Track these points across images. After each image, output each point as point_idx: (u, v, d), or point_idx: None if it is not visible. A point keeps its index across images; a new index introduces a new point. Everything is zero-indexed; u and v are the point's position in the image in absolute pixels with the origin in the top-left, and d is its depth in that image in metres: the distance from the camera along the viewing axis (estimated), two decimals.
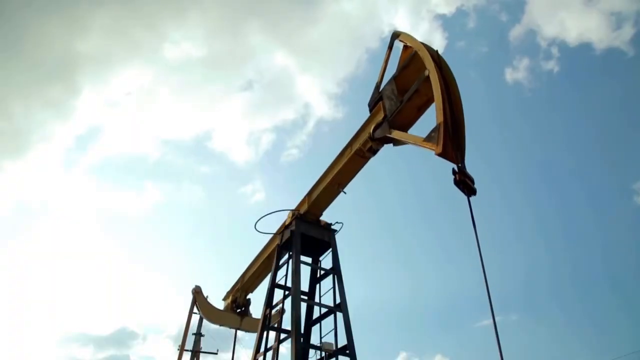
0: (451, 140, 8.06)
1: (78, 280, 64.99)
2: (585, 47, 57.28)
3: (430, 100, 9.47)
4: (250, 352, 13.81)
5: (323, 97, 66.46)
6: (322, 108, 66.65)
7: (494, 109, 57.05)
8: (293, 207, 14.35)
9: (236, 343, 20.02)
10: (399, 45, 11.41)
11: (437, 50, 9.71)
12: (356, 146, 11.63)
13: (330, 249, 13.90)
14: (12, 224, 59.13)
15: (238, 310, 20.28)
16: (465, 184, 7.78)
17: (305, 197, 14.09)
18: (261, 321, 13.49)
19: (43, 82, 49.20)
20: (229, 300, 20.51)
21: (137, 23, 49.59)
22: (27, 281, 59.44)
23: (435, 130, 8.28)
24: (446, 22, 62.17)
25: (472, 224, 7.58)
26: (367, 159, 11.78)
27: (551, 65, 57.61)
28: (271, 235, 15.75)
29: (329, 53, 59.07)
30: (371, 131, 10.85)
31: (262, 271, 17.60)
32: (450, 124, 8.18)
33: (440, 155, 8.04)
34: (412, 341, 56.58)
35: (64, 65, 47.71)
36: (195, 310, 20.87)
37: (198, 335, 20.37)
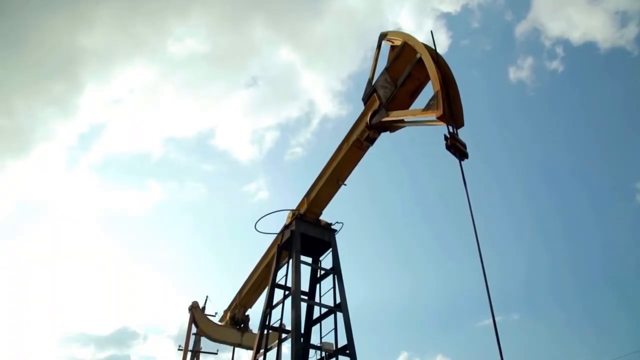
0: (449, 106, 8.32)
1: (79, 280, 63.46)
2: (589, 46, 56.89)
3: (422, 85, 9.83)
4: (250, 352, 13.60)
5: (327, 94, 65.56)
6: (327, 106, 65.62)
7: (496, 108, 56.84)
8: (295, 206, 14.45)
9: None
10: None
11: (435, 49, 10.09)
12: (353, 138, 11.86)
13: (330, 249, 13.92)
14: (13, 224, 58.03)
15: (237, 327, 19.98)
16: (456, 148, 7.97)
17: (304, 197, 14.21)
18: (261, 321, 13.37)
19: (45, 79, 49.21)
20: (227, 318, 20.24)
21: (140, 19, 49.20)
22: (28, 281, 58.11)
23: (433, 98, 8.58)
24: (451, 21, 61.82)
25: (465, 191, 7.72)
26: (365, 150, 11.96)
27: (555, 65, 56.84)
28: (271, 240, 15.81)
29: (334, 49, 58.44)
30: (368, 120, 11.12)
31: (261, 282, 17.46)
32: (445, 92, 8.47)
33: (440, 118, 8.31)
34: (413, 341, 54.75)
35: (67, 62, 47.49)
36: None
37: (198, 335, 19.91)
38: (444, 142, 8.12)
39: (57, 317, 59.49)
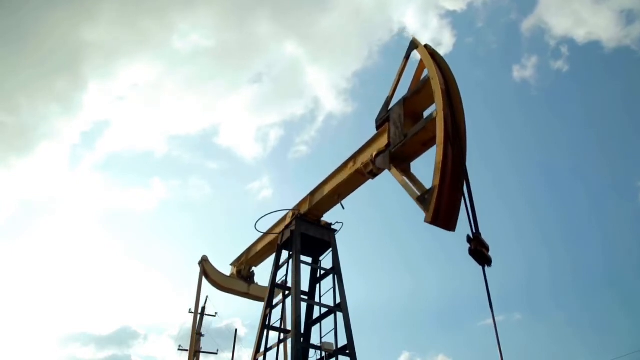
0: (446, 207, 7.45)
1: (80, 279, 64.73)
2: (594, 46, 55.73)
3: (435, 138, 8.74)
4: (250, 352, 14.07)
5: (332, 91, 63.34)
6: (332, 103, 63.83)
7: (498, 107, 56.28)
8: (297, 204, 14.15)
9: (236, 343, 20.17)
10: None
11: (452, 74, 8.90)
12: (358, 164, 11.24)
13: (331, 249, 13.73)
14: (16, 222, 58.70)
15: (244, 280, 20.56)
16: (481, 254, 7.19)
17: (307, 196, 13.81)
18: (261, 321, 13.60)
19: (49, 75, 47.41)
20: (234, 271, 20.78)
21: (144, 14, 47.33)
22: (29, 279, 59.15)
23: (429, 193, 7.66)
24: (456, 19, 59.41)
25: (487, 295, 7.16)
26: (367, 179, 11.35)
27: (560, 64, 55.36)
28: (276, 221, 15.53)
29: (339, 45, 56.40)
30: (373, 155, 10.36)
31: (266, 252, 17.58)
32: (447, 189, 7.54)
33: (430, 224, 7.52)
34: (415, 341, 56.26)
35: (70, 58, 45.79)
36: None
37: (198, 335, 20.56)
38: (467, 244, 7.29)
39: (58, 316, 61.03)
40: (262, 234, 15.62)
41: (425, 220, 7.64)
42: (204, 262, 21.24)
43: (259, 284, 20.69)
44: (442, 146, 7.82)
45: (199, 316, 20.36)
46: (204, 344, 20.99)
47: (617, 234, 50.41)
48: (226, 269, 19.80)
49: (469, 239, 7.35)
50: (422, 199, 7.90)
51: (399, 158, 9.60)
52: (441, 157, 7.71)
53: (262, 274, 20.43)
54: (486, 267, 7.38)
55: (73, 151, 62.31)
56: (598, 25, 53.97)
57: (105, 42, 45.47)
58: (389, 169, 9.58)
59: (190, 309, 20.51)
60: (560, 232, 55.27)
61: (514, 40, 58.30)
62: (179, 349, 20.86)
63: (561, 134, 54.85)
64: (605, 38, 59.76)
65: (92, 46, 45.01)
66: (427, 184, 8.48)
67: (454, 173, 7.73)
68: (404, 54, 10.86)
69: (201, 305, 21.10)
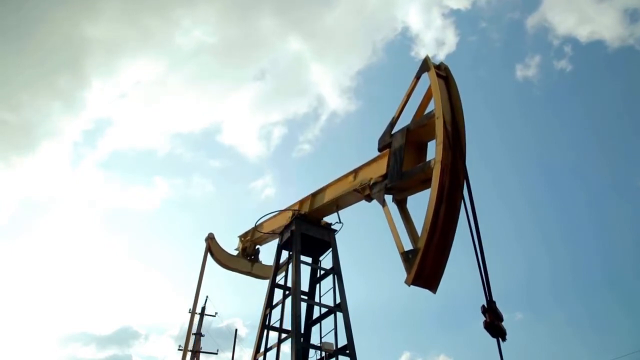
0: (429, 269, 7.05)
1: (81, 279, 64.43)
2: (598, 45, 54.43)
3: None
4: (250, 352, 14.18)
5: (336, 89, 62.13)
6: (335, 101, 62.93)
7: (500, 106, 55.35)
8: (298, 201, 13.94)
9: (236, 343, 20.22)
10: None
11: (460, 104, 8.40)
12: (357, 183, 10.86)
13: (331, 249, 13.53)
14: (17, 222, 58.32)
15: (247, 259, 20.63)
16: (496, 329, 6.74)
17: (309, 196, 13.55)
18: (261, 321, 13.60)
19: (51, 73, 47.13)
20: (240, 246, 20.82)
21: (147, 10, 46.38)
22: (30, 279, 58.96)
23: (413, 254, 7.21)
24: (460, 17, 57.74)
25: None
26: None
27: (563, 64, 54.18)
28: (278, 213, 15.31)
29: (343, 42, 55.46)
30: (371, 182, 9.98)
31: (270, 236, 17.47)
32: (433, 250, 7.11)
33: (411, 284, 7.18)
34: (415, 341, 56.26)
35: (73, 56, 45.50)
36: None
37: (198, 335, 20.52)
38: (482, 314, 6.79)
39: (59, 316, 60.72)
40: (265, 233, 15.51)
41: (405, 282, 7.32)
42: (210, 240, 21.26)
43: (263, 262, 20.84)
44: (434, 204, 7.30)
45: (198, 316, 20.53)
46: (204, 344, 21.08)
47: (617, 234, 50.17)
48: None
49: (483, 310, 6.90)
50: (407, 257, 7.53)
51: (396, 189, 9.14)
52: (431, 217, 7.20)
53: (267, 252, 20.51)
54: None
55: (75, 149, 62.13)
56: (602, 24, 53.34)
57: (107, 39, 45.16)
58: (382, 206, 9.19)
59: (190, 309, 20.52)
60: (560, 232, 55.08)
61: (518, 39, 57.38)
62: (179, 349, 20.97)
63: (561, 134, 54.42)
64: (608, 37, 59.14)
65: (95, 44, 44.79)
66: (421, 216, 7.99)
67: (443, 233, 7.26)
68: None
69: (201, 305, 21.22)
